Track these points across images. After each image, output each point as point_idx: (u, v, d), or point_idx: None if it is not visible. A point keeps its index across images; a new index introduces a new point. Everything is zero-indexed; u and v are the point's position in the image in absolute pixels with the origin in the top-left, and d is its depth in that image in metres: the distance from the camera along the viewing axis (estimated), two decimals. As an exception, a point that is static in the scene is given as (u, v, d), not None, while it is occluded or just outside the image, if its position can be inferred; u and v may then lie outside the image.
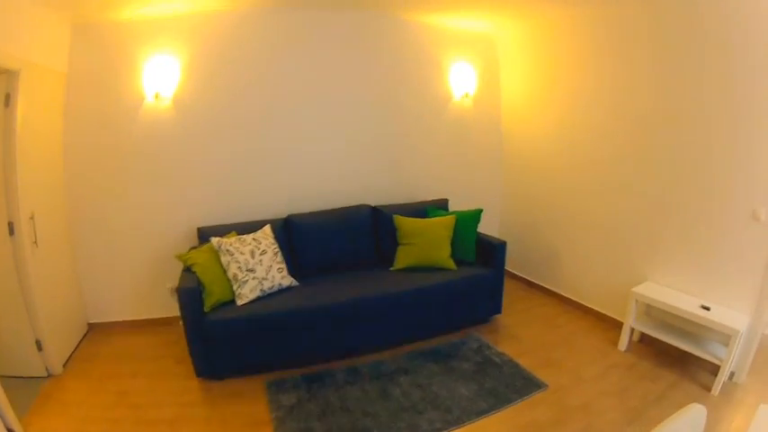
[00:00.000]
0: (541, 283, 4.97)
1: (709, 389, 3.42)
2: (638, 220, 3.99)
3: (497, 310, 4.13)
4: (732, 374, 3.57)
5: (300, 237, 3.83)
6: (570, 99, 4.44)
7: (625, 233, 4.09)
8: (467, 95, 4.91)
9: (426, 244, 3.90)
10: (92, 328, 4.00)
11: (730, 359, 3.30)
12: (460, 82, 4.84)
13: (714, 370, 3.46)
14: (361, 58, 4.35)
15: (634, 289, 3.77)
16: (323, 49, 4.17)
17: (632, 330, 3.91)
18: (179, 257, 3.37)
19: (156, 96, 3.77)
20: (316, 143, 4.27)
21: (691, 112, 3.55)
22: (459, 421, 2.86)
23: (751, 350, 3.49)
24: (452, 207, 4.51)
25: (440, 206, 4.41)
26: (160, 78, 3.76)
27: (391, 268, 3.93)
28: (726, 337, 3.36)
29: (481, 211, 4.13)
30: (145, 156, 3.88)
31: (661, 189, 3.81)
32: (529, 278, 5.12)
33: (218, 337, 3.10)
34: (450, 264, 3.89)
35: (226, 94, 3.96)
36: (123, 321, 4.10)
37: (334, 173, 4.37)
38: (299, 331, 3.27)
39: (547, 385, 3.34)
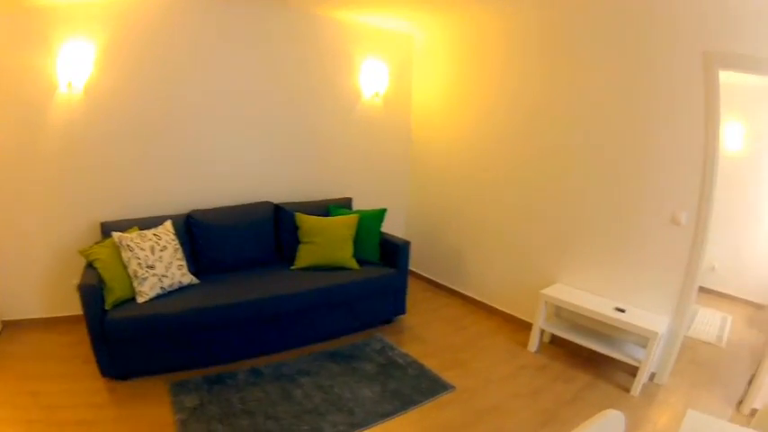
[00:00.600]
0: (447, 284, 5.16)
1: (627, 390, 3.58)
2: (548, 222, 4.21)
3: (401, 310, 4.25)
4: (653, 375, 3.77)
5: (201, 233, 3.83)
6: (479, 101, 4.70)
7: (534, 235, 4.31)
8: (377, 94, 5.05)
9: (328, 243, 3.95)
10: (6, 325, 3.95)
11: (649, 361, 3.46)
12: (372, 80, 4.96)
13: (632, 371, 3.61)
14: (270, 53, 4.39)
15: (543, 291, 3.95)
16: (230, 45, 4.19)
17: (542, 332, 4.08)
18: (81, 252, 3.34)
19: (69, 86, 3.70)
20: (220, 139, 4.28)
21: (607, 114, 3.81)
22: (364, 424, 2.89)
23: (673, 351, 3.68)
24: (358, 206, 4.68)
25: (343, 205, 4.52)
26: (74, 66, 3.67)
27: (292, 267, 3.97)
28: (644, 339, 3.51)
29: (385, 210, 4.27)
30: (55, 148, 3.82)
31: (573, 192, 4.04)
32: (434, 279, 5.31)
33: (120, 337, 3.06)
34: (353, 263, 3.98)
35: (132, 86, 3.95)
36: (38, 319, 4.05)
37: (238, 169, 4.40)
38: (199, 331, 3.27)
39: (454, 387, 3.40)
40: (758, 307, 5.79)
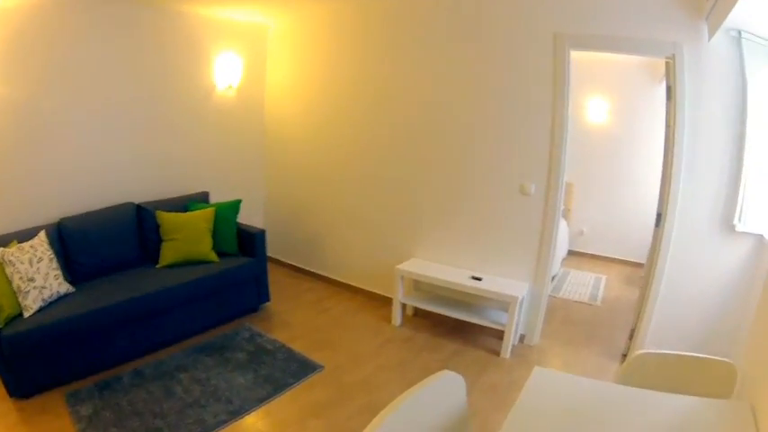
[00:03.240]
0: (310, 269, 5.23)
1: (497, 353, 3.74)
2: (401, 200, 4.34)
3: (266, 298, 4.30)
4: (523, 337, 3.96)
5: (71, 241, 3.66)
6: (330, 86, 4.75)
7: (389, 213, 4.44)
8: (230, 87, 4.98)
9: (188, 238, 3.93)
10: None
11: (513, 324, 3.63)
12: (226, 73, 4.89)
13: (500, 335, 3.77)
14: (128, 52, 4.13)
15: (398, 266, 4.05)
16: (87, 46, 3.87)
17: (404, 306, 4.19)
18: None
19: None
20: (83, 142, 3.97)
21: (460, 92, 3.93)
22: (242, 410, 2.95)
23: (539, 313, 3.90)
24: (216, 199, 4.59)
25: (201, 199, 4.46)
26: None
27: (157, 266, 3.91)
28: (506, 304, 3.67)
29: (240, 201, 4.26)
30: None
31: (424, 168, 4.19)
32: (297, 264, 5.35)
33: (17, 354, 2.92)
34: (213, 256, 3.97)
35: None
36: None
37: (103, 172, 4.12)
38: (80, 339, 3.19)
39: (323, 366, 3.46)
40: (636, 266, 6.08)
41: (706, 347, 3.31)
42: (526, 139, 3.66)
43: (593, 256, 6.41)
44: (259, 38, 5.14)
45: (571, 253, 6.35)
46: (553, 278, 5.21)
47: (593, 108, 6.19)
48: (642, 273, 5.51)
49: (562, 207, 3.73)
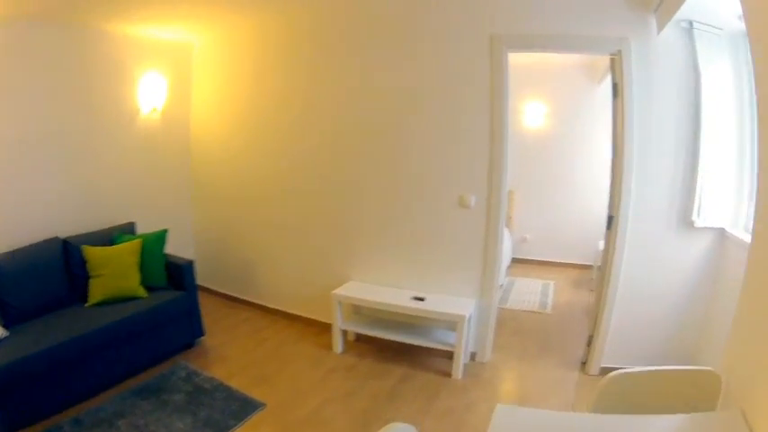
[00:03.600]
0: (244, 297, 4.90)
1: (449, 374, 3.54)
2: (333, 221, 4.12)
3: (200, 332, 3.97)
4: (474, 355, 3.76)
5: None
6: (256, 105, 4.49)
7: (322, 235, 4.22)
8: (155, 110, 4.64)
9: (115, 274, 3.63)
10: None
11: (462, 344, 3.45)
12: (150, 95, 4.56)
13: (450, 355, 3.56)
14: (45, 73, 3.74)
15: (335, 291, 3.82)
16: (7, 71, 3.52)
17: (344, 332, 3.95)
18: None
19: None
20: (4, 173, 3.61)
21: (393, 103, 3.73)
22: None
23: (489, 328, 3.72)
24: (143, 229, 4.22)
25: (127, 231, 4.14)
26: None
27: (86, 305, 3.60)
28: (453, 323, 3.49)
29: (166, 231, 3.96)
30: None
31: (356, 186, 3.98)
32: (231, 293, 5.01)
33: None
34: (142, 292, 3.68)
35: None
36: None
37: (27, 206, 3.75)
38: (15, 387, 2.85)
39: (264, 404, 3.18)
40: (583, 268, 6.05)
41: (670, 348, 3.37)
42: (464, 148, 3.51)
43: (538, 263, 6.34)
44: (183, 56, 4.83)
45: (515, 261, 6.25)
46: (499, 287, 5.04)
47: (530, 112, 6.15)
48: (591, 275, 5.53)
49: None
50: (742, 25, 2.82)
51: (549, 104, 6.11)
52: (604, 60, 5.08)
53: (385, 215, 3.86)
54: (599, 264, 5.18)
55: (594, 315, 3.53)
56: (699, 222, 3.10)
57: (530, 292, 5.27)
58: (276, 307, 4.59)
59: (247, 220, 4.68)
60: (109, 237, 3.92)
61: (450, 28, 3.41)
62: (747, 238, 2.82)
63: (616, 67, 3.16)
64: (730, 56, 3.03)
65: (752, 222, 1.85)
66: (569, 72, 5.84)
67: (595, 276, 5.33)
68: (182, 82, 4.82)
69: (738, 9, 2.67)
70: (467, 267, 3.63)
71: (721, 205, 3.11)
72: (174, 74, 4.71)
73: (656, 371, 1.89)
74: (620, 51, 3.07)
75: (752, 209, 3.01)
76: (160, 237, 3.88)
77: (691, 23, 2.93)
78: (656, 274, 3.30)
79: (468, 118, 3.45)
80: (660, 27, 2.93)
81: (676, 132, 3.09)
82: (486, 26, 3.29)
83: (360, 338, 4.02)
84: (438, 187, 3.63)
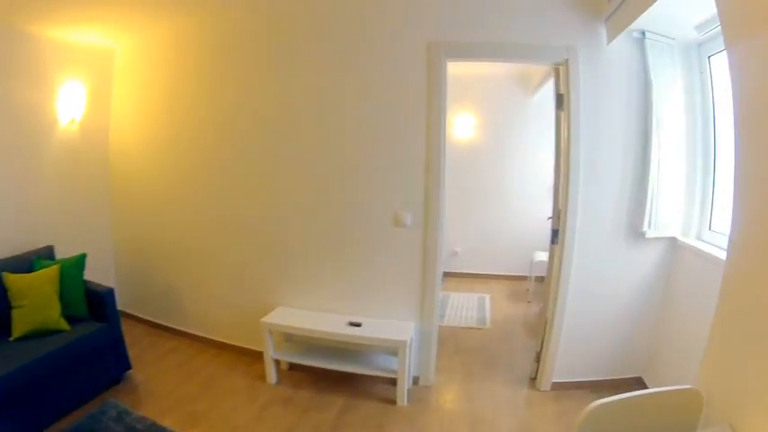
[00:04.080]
0: (171, 325, 4.48)
1: (393, 401, 3.34)
2: (261, 243, 3.82)
3: (127, 365, 3.62)
4: (417, 379, 3.61)
5: None
6: (178, 116, 4.07)
7: (249, 258, 3.90)
8: (73, 121, 4.21)
9: (35, 304, 3.25)
10: None
11: (405, 370, 3.27)
12: (69, 105, 4.12)
13: (393, 381, 3.35)
14: None
15: (264, 319, 3.53)
16: None
17: (278, 361, 3.66)
18: None
19: None
20: None
21: (325, 116, 3.49)
22: None
23: (431, 351, 3.55)
24: (63, 253, 3.79)
25: (46, 255, 3.72)
26: None
27: (10, 338, 3.22)
28: (394, 349, 3.31)
29: (84, 255, 3.58)
30: None
31: (284, 205, 3.70)
32: (157, 321, 4.58)
33: None
34: (63, 324, 3.29)
35: None
36: None
37: None
38: None
39: None
40: (517, 279, 6.03)
41: (622, 360, 3.42)
42: (399, 162, 3.33)
43: (470, 276, 6.27)
44: (105, 63, 4.39)
45: (447, 275, 6.13)
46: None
47: (459, 124, 6.10)
48: (527, 286, 5.53)
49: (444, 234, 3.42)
50: (696, 35, 2.90)
51: (480, 116, 6.08)
52: (538, 71, 5.21)
53: (317, 236, 3.58)
54: (536, 275, 5.27)
55: (542, 330, 3.47)
56: (650, 233, 3.09)
57: (466, 308, 5.17)
58: (204, 335, 4.23)
59: (171, 241, 4.29)
60: (28, 262, 3.52)
61: (386, 35, 3.23)
62: (700, 245, 2.97)
63: (562, 77, 3.11)
64: (682, 65, 3.06)
65: (728, 235, 1.83)
66: (501, 83, 5.85)
67: (532, 288, 5.35)
68: (102, 91, 4.38)
69: (696, 19, 2.75)
70: (405, 289, 3.44)
71: (672, 214, 3.13)
72: (94, 81, 4.27)
73: (634, 396, 1.80)
74: (566, 61, 3.02)
75: (704, 217, 3.08)
76: (79, 262, 3.50)
77: (643, 33, 2.93)
78: (606, 285, 3.28)
79: (403, 131, 3.28)
80: (611, 37, 2.90)
81: (625, 143, 3.08)
82: (424, 33, 3.14)
83: (294, 367, 3.73)
84: (372, 205, 3.42)
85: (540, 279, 5.25)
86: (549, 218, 3.88)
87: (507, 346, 4.23)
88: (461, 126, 6.10)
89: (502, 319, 4.86)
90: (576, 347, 3.35)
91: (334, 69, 3.34)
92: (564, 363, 3.36)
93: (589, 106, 3.04)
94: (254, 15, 3.52)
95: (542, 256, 5.28)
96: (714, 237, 3.01)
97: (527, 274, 5.73)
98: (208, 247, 4.04)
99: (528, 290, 5.58)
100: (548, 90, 5.23)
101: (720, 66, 2.95)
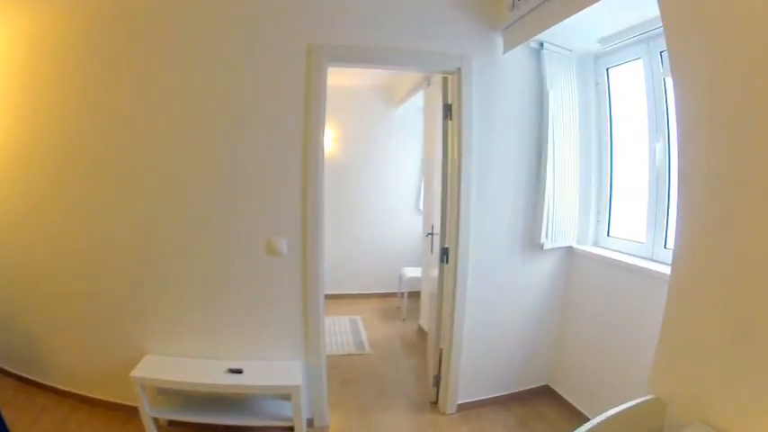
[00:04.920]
0: (38, 378, 3.66)
1: None
2: (124, 283, 3.15)
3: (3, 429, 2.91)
4: (311, 421, 3.22)
5: None
6: (23, 127, 3.24)
7: (111, 302, 3.22)
8: None
9: None
10: None
11: (301, 415, 2.88)
12: None
13: (287, 427, 2.97)
14: None
15: (133, 373, 2.93)
16: None
17: (155, 418, 3.09)
18: None
19: None
20: None
21: (180, 127, 2.92)
22: None
23: (322, 389, 3.21)
24: None
25: None
26: None
27: None
28: (284, 393, 2.94)
29: None
30: None
31: (151, 242, 3.06)
32: (23, 374, 3.73)
33: None
34: None
35: None
36: None
37: None
38: None
39: None
40: (385, 297, 5.90)
41: (527, 371, 3.42)
42: (272, 180, 2.90)
43: (338, 297, 5.92)
44: None
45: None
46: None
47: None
48: (398, 303, 5.40)
49: (327, 261, 3.09)
50: (599, 48, 3.02)
51: (341, 129, 5.82)
52: (405, 83, 5.17)
53: (185, 271, 3.00)
54: (409, 290, 5.16)
55: (437, 354, 3.33)
56: (548, 244, 3.10)
57: (340, 332, 4.87)
58: (73, 390, 3.47)
59: (25, 279, 3.48)
60: None
61: (260, 34, 2.80)
62: (597, 251, 3.16)
63: (452, 86, 3.01)
64: (578, 77, 3.12)
65: (674, 239, 1.81)
66: (363, 95, 5.72)
67: (405, 305, 5.21)
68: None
69: (601, 33, 2.87)
70: (287, 325, 3.02)
71: (568, 225, 3.18)
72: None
73: (599, 423, 1.68)
74: (459, 69, 2.91)
75: (601, 225, 3.22)
76: None
77: (541, 44, 2.93)
78: (505, 298, 3.23)
79: (278, 146, 2.87)
80: (508, 47, 2.86)
81: (519, 155, 3.06)
82: (304, 34, 2.78)
83: (173, 422, 3.14)
84: (244, 233, 2.92)
85: (414, 295, 5.22)
86: (429, 234, 3.81)
87: (394, 369, 4.02)
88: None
89: (380, 341, 4.64)
90: (479, 365, 3.25)
91: (200, 75, 2.81)
92: (467, 382, 3.24)
93: (482, 117, 2.96)
94: (101, 11, 2.86)
95: (412, 272, 5.23)
96: (612, 242, 3.14)
97: (396, 291, 5.63)
98: (61, 285, 3.29)
99: (399, 307, 5.46)
100: (413, 103, 5.23)
101: (619, 78, 3.08)
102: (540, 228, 3.08)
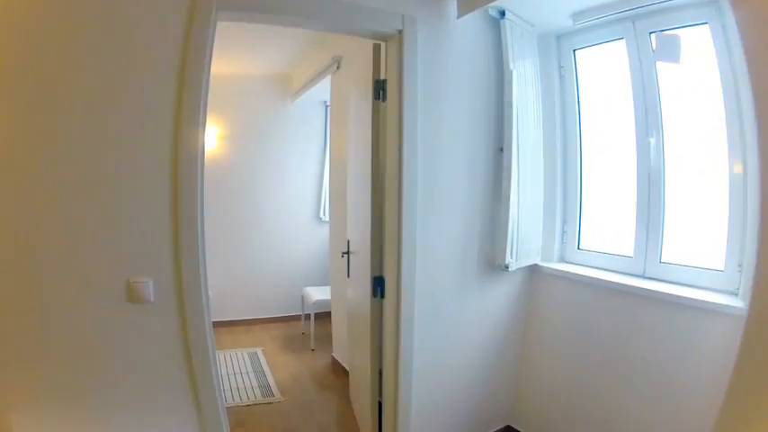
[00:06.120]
0: None
1: None
2: None
3: None
4: None
5: None
6: None
7: None
8: None
9: None
10: None
11: None
12: None
13: None
14: None
15: None
16: None
17: None
18: None
19: None
20: None
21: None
22: None
23: None
24: None
25: None
26: None
27: None
28: None
29: None
30: None
31: None
32: None
33: None
34: None
35: None
36: None
37: None
38: None
39: None
40: (286, 321, 5.16)
41: (487, 411, 2.82)
42: (124, 193, 1.83)
43: (230, 324, 5.00)
44: None
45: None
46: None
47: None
48: (302, 329, 4.69)
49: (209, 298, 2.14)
50: (563, 24, 2.48)
51: (227, 126, 4.88)
52: (303, 69, 4.47)
53: (19, 337, 1.81)
54: (315, 311, 4.32)
55: (373, 407, 2.59)
56: (513, 264, 2.46)
57: (240, 372, 3.93)
58: None
59: None
60: None
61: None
62: (564, 267, 2.63)
63: (390, 55, 2.26)
64: (540, 58, 2.58)
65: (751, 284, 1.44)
66: (254, 85, 4.88)
67: (313, 331, 4.35)
68: None
69: (575, 6, 2.26)
70: (168, 407, 2.00)
71: (534, 239, 2.59)
72: None
73: None
74: (400, 33, 2.17)
75: (570, 236, 2.66)
76: None
77: (502, 13, 2.30)
78: (459, 334, 2.56)
79: (132, 138, 1.80)
80: (464, 11, 2.18)
81: (474, 151, 2.39)
82: None
83: None
84: (94, 272, 1.81)
85: (321, 317, 4.41)
86: (344, 253, 3.00)
87: (313, 423, 3.15)
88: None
89: (290, 382, 3.76)
90: (430, 413, 2.54)
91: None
92: (420, 423, 2.49)
93: (428, 100, 2.24)
94: None
95: (319, 293, 4.44)
96: (584, 256, 2.68)
97: (299, 313, 4.77)
98: None
99: (304, 333, 4.66)
100: (313, 95, 4.47)
101: (589, 61, 2.61)
102: (504, 244, 2.41)
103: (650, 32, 2.22)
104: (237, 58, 4.30)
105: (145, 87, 1.79)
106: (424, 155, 2.27)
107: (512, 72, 2.33)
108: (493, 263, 2.49)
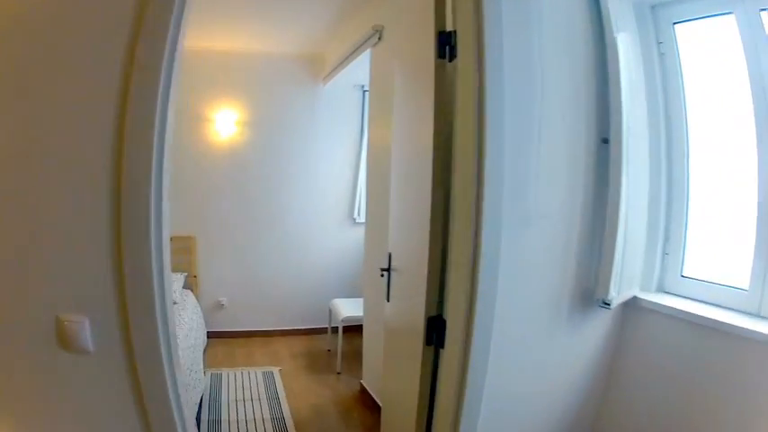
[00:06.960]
0: None
1: None
2: None
3: None
4: None
5: None
6: None
7: None
8: None
9: None
10: None
11: None
12: None
13: None
14: None
15: None
16: None
17: None
18: None
19: None
20: None
21: None
22: None
23: None
24: None
25: None
26: None
27: None
28: None
29: None
30: None
31: None
32: None
33: None
34: None
35: None
36: None
37: None
38: None
39: None
40: (310, 333, 4.61)
41: None
42: (42, 190, 1.22)
43: (245, 335, 4.46)
44: None
45: (212, 335, 4.22)
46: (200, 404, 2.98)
47: (221, 121, 4.27)
48: (327, 346, 4.30)
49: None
50: None
51: (249, 110, 4.38)
52: (336, 47, 3.95)
53: None
54: (343, 324, 3.72)
55: None
56: (615, 300, 1.80)
57: (250, 398, 3.32)
58: None
59: None
60: None
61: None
62: (668, 301, 1.96)
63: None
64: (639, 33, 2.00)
65: None
66: (280, 66, 4.40)
67: (340, 350, 3.75)
68: None
69: None
70: None
71: (635, 263, 1.92)
72: None
73: None
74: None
75: (674, 258, 1.99)
76: None
77: None
78: (538, 387, 1.86)
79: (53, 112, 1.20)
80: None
81: (574, 145, 1.73)
82: None
83: None
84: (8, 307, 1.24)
85: (352, 332, 3.81)
86: (384, 270, 2.32)
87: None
88: (224, 124, 4.28)
89: (310, 414, 3.13)
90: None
91: None
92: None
93: (514, 61, 1.54)
94: None
95: (348, 307, 3.85)
96: (687, 286, 2.01)
97: (324, 326, 4.21)
98: None
99: (330, 350, 4.07)
100: (347, 76, 3.97)
101: (690, 40, 2.00)
102: (609, 273, 1.74)
103: (761, 9, 1.69)
104: (260, 33, 3.89)
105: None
106: (512, 143, 1.57)
107: (615, 40, 1.70)
108: (590, 297, 1.82)
